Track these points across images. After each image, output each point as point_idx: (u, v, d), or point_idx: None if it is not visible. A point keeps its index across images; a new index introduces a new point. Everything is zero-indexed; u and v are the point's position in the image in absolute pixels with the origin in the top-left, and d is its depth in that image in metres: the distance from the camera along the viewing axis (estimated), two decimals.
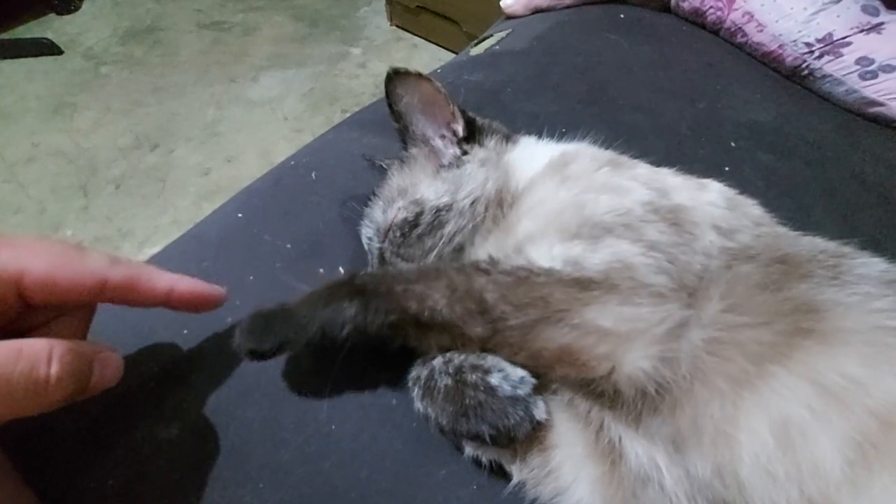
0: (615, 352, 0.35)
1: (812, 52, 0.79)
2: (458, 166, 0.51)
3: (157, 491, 0.39)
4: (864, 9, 0.77)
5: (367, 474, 0.40)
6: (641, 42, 0.86)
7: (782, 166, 0.68)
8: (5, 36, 2.09)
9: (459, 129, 0.52)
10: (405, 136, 0.54)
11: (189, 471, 0.39)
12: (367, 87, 2.06)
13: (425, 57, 2.20)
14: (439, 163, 0.52)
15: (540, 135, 0.56)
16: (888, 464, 0.29)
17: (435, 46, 2.24)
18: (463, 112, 0.52)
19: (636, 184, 0.44)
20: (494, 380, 0.37)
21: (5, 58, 2.01)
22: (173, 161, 1.74)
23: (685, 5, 0.92)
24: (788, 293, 0.36)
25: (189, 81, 2.02)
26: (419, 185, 0.51)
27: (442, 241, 0.48)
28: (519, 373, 0.38)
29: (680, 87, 0.78)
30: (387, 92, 0.51)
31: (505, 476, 0.41)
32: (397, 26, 2.34)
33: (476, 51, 0.88)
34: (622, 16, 0.92)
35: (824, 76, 0.79)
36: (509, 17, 0.98)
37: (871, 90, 0.76)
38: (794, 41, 0.80)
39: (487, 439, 0.37)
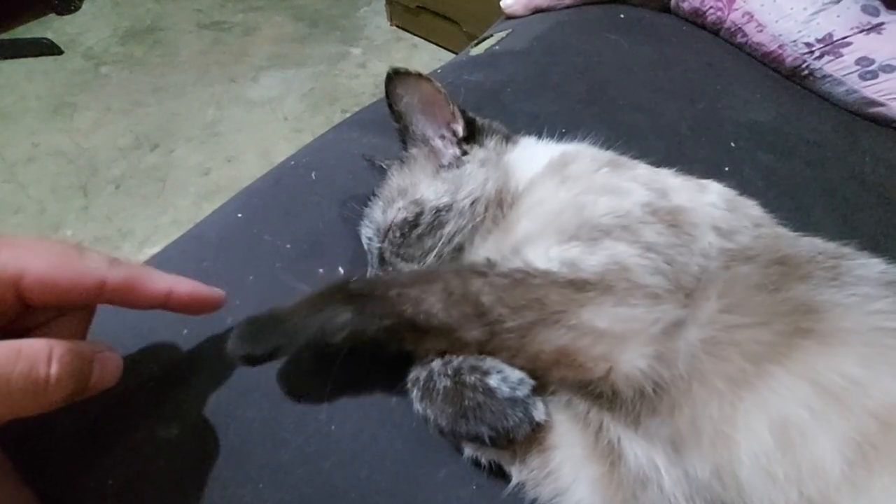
0: (611, 352, 0.35)
1: (812, 52, 0.79)
2: (457, 166, 0.51)
3: (156, 491, 0.39)
4: (864, 9, 0.77)
5: (367, 474, 0.40)
6: (641, 42, 0.86)
7: (782, 166, 0.68)
8: (5, 36, 2.09)
9: (459, 129, 0.52)
10: (405, 136, 0.53)
11: (189, 471, 0.39)
12: (367, 87, 2.06)
13: (425, 57, 2.20)
14: (439, 163, 0.52)
15: (540, 135, 0.56)
16: (888, 464, 0.29)
17: (435, 46, 2.23)
18: (463, 112, 0.52)
19: (636, 185, 0.44)
20: (493, 381, 0.37)
21: (5, 58, 2.01)
22: (173, 161, 1.74)
23: (685, 5, 0.92)
24: (787, 294, 0.36)
25: (189, 81, 2.02)
26: (419, 185, 0.51)
27: (442, 242, 0.48)
28: (518, 374, 0.38)
29: (680, 87, 0.78)
30: (387, 92, 0.51)
31: (504, 477, 0.41)
32: (397, 26, 2.34)
33: (476, 51, 0.88)
34: (622, 16, 0.92)
35: (824, 76, 0.79)
36: (509, 17, 0.98)
37: (871, 90, 0.76)
38: (794, 41, 0.80)
39: (486, 440, 0.37)
